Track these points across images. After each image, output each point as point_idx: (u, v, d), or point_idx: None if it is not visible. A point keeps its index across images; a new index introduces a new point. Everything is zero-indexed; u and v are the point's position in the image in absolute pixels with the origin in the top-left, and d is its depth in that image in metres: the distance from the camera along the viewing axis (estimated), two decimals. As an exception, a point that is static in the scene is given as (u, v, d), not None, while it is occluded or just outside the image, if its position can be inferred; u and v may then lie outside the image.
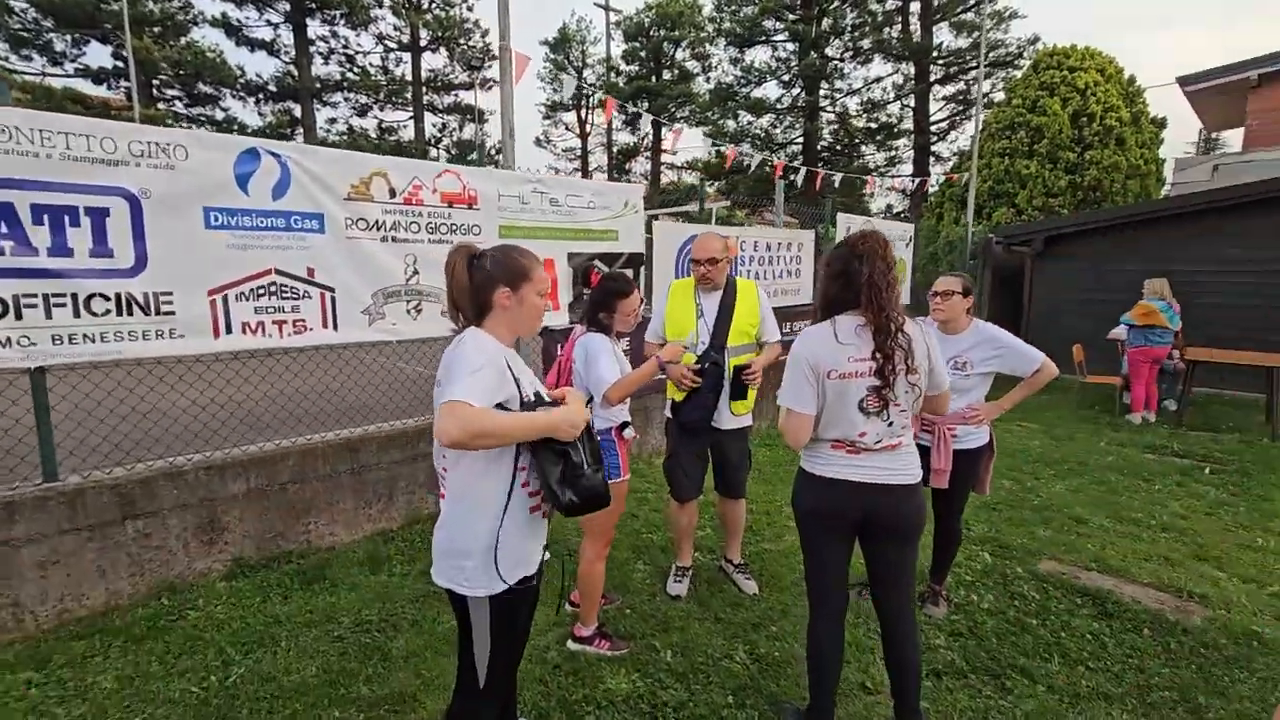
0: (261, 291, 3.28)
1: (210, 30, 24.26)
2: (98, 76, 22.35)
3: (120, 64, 21.37)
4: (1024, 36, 21.74)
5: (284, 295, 3.36)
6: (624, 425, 2.66)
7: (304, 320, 3.44)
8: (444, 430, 1.40)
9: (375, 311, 3.70)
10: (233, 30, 24.68)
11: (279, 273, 3.32)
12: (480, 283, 1.63)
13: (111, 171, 2.82)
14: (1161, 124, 13.57)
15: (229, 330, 3.20)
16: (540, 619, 2.90)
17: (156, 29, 22.90)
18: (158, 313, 2.98)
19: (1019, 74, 16.81)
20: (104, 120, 2.84)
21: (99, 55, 22.24)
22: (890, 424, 1.98)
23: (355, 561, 3.45)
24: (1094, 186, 12.57)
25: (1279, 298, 7.59)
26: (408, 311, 3.83)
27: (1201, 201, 8.02)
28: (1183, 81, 16.46)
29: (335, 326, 3.55)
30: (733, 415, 3.05)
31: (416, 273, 3.83)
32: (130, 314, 2.92)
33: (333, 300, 3.53)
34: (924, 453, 2.90)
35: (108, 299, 2.85)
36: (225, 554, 3.27)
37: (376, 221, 3.65)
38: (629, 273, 4.92)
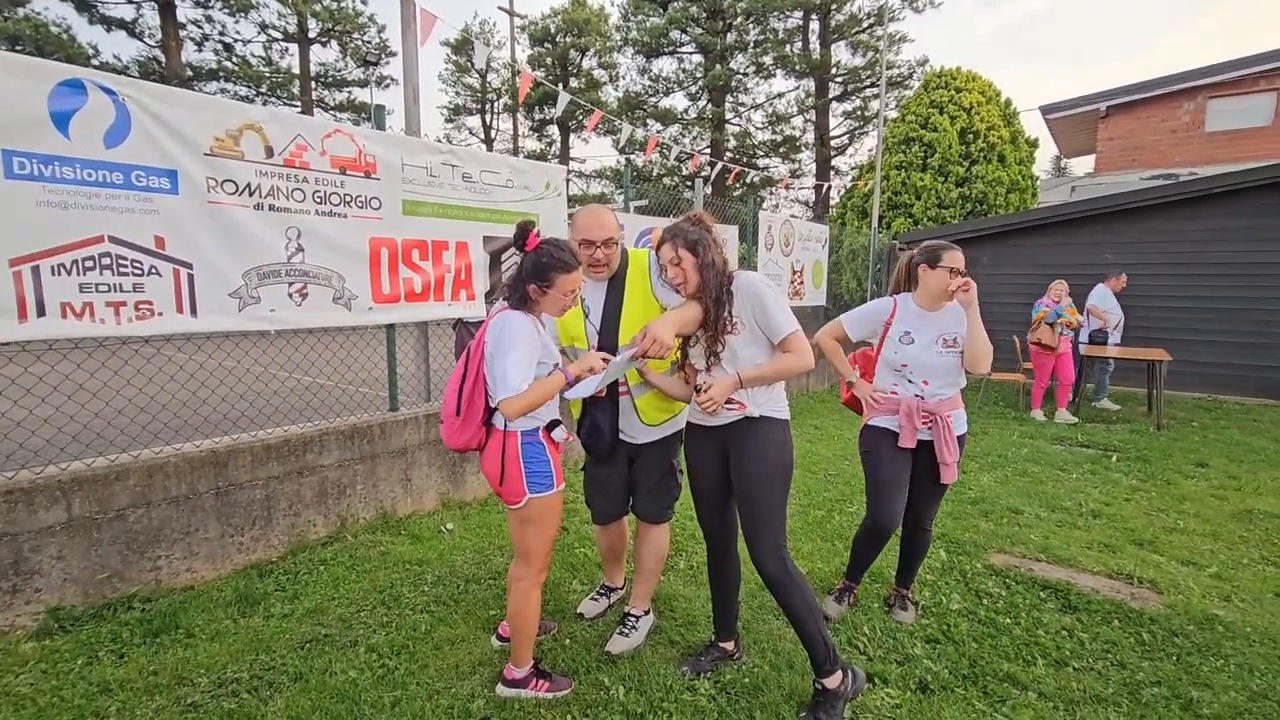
0: (90, 264, 2.57)
1: (56, 4, 21.47)
2: (-93, 46, 19.10)
3: (-63, 34, 18.37)
4: (914, 59, 23.41)
5: (122, 270, 2.65)
6: (552, 424, 2.12)
7: (150, 303, 2.73)
8: None
9: (247, 295, 3.04)
10: (85, 6, 21.93)
11: (115, 241, 2.62)
12: None
13: None
14: (1034, 144, 14.72)
15: (41, 312, 2.46)
16: (463, 659, 2.39)
17: (-14, -3, 19.92)
18: (-71, 286, 2.23)
19: (910, 93, 17.85)
20: None
21: (-91, 22, 19.04)
22: None
23: (220, 603, 2.77)
24: (980, 199, 13.41)
25: (1150, 297, 8.25)
26: (290, 295, 3.19)
27: (1096, 207, 8.61)
28: (1045, 110, 18.16)
29: (194, 311, 2.86)
30: (646, 426, 2.42)
31: (301, 250, 3.20)
32: (-115, 287, 2.16)
33: (190, 279, 2.85)
34: (924, 446, 2.59)
35: None
36: (35, 605, 2.51)
37: (249, 185, 3.00)
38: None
